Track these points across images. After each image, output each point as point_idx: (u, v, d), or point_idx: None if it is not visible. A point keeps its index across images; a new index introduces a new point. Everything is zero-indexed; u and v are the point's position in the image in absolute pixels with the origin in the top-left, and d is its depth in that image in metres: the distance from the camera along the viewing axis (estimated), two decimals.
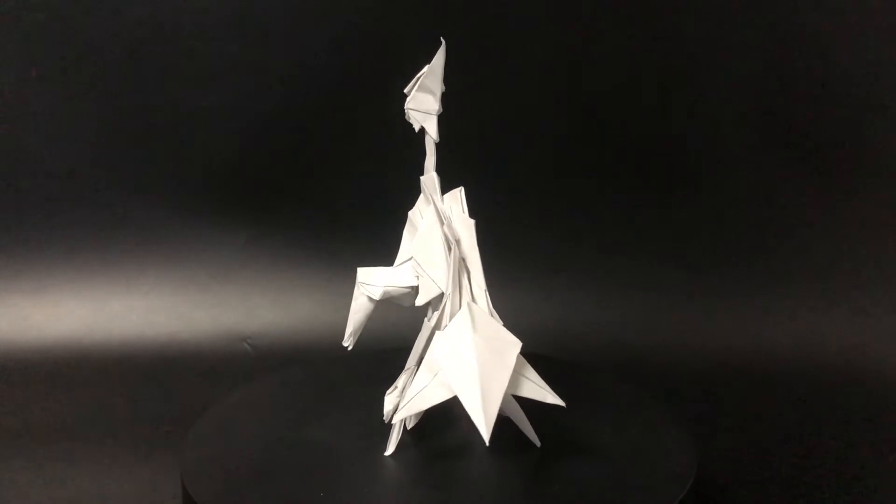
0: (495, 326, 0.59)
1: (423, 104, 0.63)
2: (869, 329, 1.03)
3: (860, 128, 1.05)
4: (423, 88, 0.63)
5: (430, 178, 0.64)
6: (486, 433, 0.55)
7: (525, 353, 0.81)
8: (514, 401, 0.61)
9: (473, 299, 0.60)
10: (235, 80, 1.09)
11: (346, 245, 1.11)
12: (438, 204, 0.63)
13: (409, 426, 0.67)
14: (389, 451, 0.63)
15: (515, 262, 1.09)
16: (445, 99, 0.63)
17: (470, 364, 0.57)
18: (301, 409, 0.71)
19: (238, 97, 1.09)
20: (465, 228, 0.62)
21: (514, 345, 0.58)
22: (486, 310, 0.60)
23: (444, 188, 0.65)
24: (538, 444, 0.62)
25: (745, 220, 1.09)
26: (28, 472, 0.78)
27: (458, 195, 0.63)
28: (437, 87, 0.62)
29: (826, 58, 1.04)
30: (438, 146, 0.64)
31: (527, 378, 0.58)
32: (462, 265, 0.61)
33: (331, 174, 1.11)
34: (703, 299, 1.08)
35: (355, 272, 0.66)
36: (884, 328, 1.03)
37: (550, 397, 0.58)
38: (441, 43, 0.60)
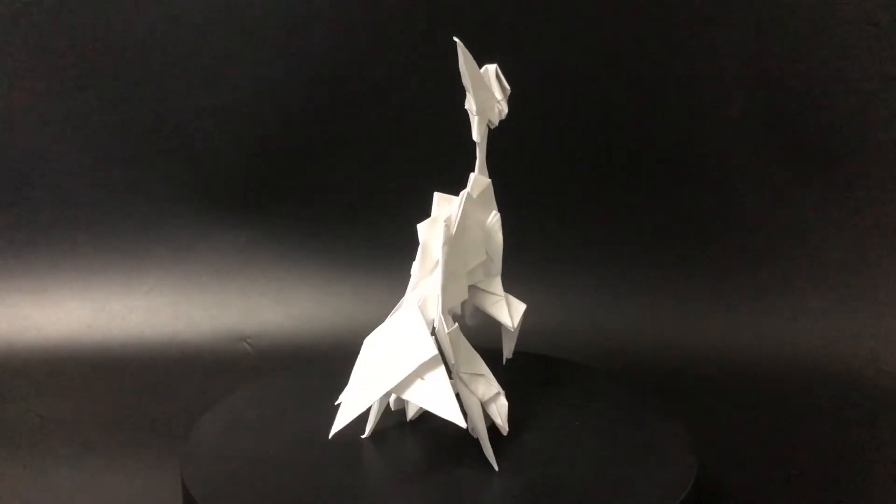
0: (419, 331, 0.57)
1: (468, 104, 0.64)
2: (870, 329, 1.03)
3: (862, 128, 1.05)
4: (466, 89, 0.63)
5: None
6: (333, 427, 0.58)
7: (525, 354, 0.81)
8: (480, 420, 0.60)
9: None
10: (236, 80, 1.09)
11: (346, 245, 1.11)
12: (455, 205, 0.62)
13: (410, 417, 0.67)
14: (366, 433, 0.64)
15: (515, 263, 1.09)
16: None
17: (367, 361, 0.59)
18: (302, 408, 0.71)
19: (239, 97, 1.09)
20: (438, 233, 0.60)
21: (426, 352, 0.56)
22: (430, 314, 0.58)
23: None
24: (496, 467, 0.60)
25: (746, 220, 1.09)
26: (28, 471, 0.78)
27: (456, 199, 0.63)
28: (469, 86, 0.62)
29: (828, 57, 1.04)
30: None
31: (427, 385, 0.56)
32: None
33: (331, 174, 1.11)
34: (703, 299, 1.08)
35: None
36: (885, 328, 1.03)
37: (451, 413, 0.55)
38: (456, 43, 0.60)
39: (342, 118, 1.10)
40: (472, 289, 0.66)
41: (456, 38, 0.60)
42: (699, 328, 1.06)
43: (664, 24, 1.06)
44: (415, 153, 1.09)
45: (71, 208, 1.11)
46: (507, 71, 0.65)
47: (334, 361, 0.85)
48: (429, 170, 1.05)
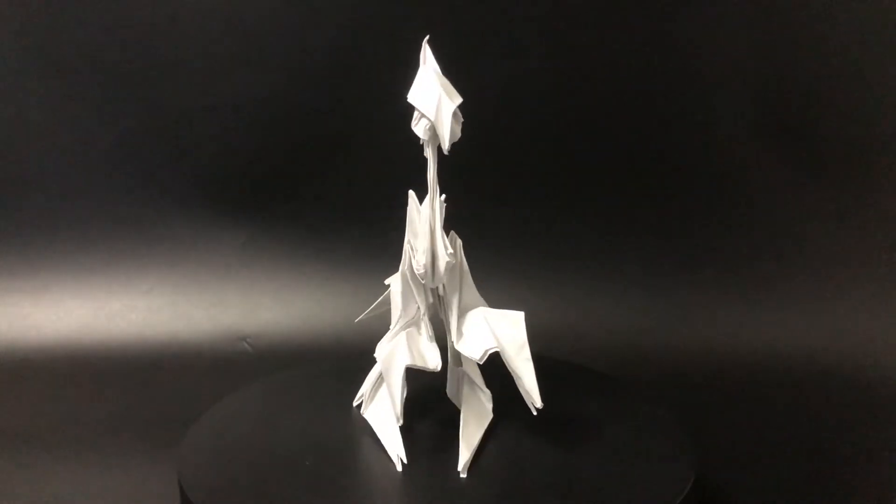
0: None
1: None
2: (869, 329, 1.03)
3: (862, 128, 1.05)
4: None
5: None
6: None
7: None
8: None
9: None
10: (235, 79, 1.09)
11: (345, 245, 1.11)
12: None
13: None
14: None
15: (514, 263, 1.09)
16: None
17: None
18: (301, 408, 0.71)
19: (238, 97, 1.09)
20: None
21: None
22: None
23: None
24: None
25: (746, 220, 1.09)
26: (27, 471, 0.78)
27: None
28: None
29: (826, 57, 1.04)
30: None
31: None
32: None
33: (331, 174, 1.11)
34: (703, 300, 1.08)
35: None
36: (884, 328, 1.03)
37: None
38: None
39: (342, 118, 1.10)
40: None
41: (426, 40, 0.59)
42: (698, 328, 1.06)
43: (665, 24, 1.06)
44: (415, 153, 1.09)
45: (71, 208, 1.11)
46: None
47: (334, 361, 0.85)
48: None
